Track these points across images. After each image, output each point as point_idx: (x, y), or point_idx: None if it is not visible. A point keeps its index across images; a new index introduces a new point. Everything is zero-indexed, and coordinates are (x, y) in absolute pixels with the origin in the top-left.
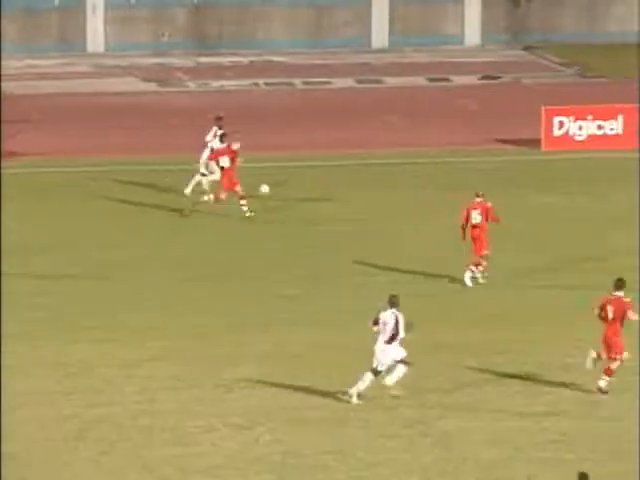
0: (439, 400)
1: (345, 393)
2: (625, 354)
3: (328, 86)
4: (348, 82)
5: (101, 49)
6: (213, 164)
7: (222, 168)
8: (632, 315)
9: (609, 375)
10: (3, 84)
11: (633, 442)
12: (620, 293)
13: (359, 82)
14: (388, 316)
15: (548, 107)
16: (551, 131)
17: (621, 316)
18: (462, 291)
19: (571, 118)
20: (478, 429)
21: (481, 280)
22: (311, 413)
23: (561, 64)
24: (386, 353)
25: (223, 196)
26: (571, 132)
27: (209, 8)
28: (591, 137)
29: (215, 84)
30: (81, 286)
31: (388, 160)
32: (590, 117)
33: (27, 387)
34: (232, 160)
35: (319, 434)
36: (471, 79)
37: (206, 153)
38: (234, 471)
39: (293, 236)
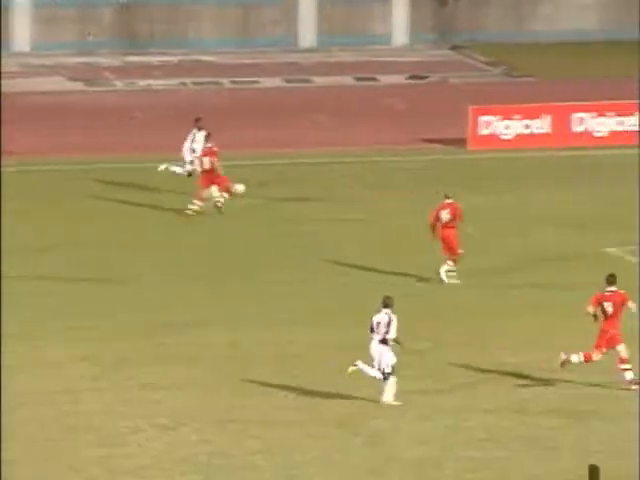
0: (369, 400)
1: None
2: (621, 346)
3: (256, 85)
4: (276, 81)
5: (27, 48)
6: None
7: (204, 169)
8: (632, 305)
9: (624, 363)
10: None
11: (562, 439)
12: (614, 288)
13: (287, 81)
14: (382, 316)
15: (475, 106)
16: (478, 130)
17: (620, 310)
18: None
19: (498, 117)
20: (408, 428)
21: (445, 278)
22: (239, 413)
23: (488, 63)
24: (382, 355)
25: (205, 195)
26: (498, 131)
27: (138, 7)
28: (518, 136)
29: (142, 83)
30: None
31: (316, 159)
32: (517, 116)
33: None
34: (212, 161)
35: (247, 434)
36: (398, 79)
37: (187, 154)
38: (160, 472)
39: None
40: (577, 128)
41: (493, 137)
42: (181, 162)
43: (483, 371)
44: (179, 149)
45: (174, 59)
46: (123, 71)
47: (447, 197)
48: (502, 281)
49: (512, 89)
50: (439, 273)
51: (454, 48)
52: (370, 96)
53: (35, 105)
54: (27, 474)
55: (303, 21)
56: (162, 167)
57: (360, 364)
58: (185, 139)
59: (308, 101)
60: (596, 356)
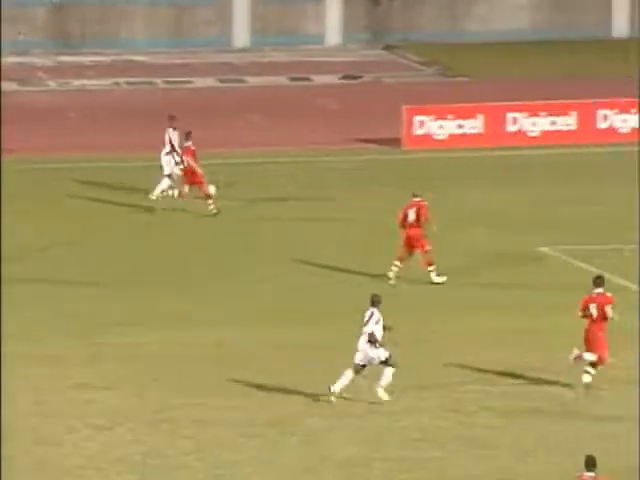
0: (304, 399)
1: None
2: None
3: (189, 85)
4: (209, 81)
5: None
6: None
7: (185, 167)
8: (609, 311)
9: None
10: None
11: (499, 438)
12: (600, 290)
13: (221, 81)
14: (368, 314)
15: (408, 106)
16: (412, 130)
17: (604, 313)
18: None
19: (432, 117)
20: (341, 428)
21: (392, 280)
22: (173, 413)
23: (421, 63)
24: (369, 350)
25: (185, 192)
26: (432, 131)
27: (71, 7)
28: (451, 136)
29: (76, 83)
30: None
31: (250, 159)
32: (450, 116)
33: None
34: (193, 159)
35: (181, 434)
36: (332, 78)
37: (163, 157)
38: (96, 472)
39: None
40: (511, 128)
41: (427, 137)
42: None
43: (423, 371)
44: (112, 148)
45: (107, 59)
46: (56, 71)
47: (415, 196)
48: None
49: (446, 89)
50: (389, 277)
51: (387, 48)
52: (304, 96)
53: None
54: None
55: (237, 21)
56: (153, 197)
57: (336, 388)
58: (163, 142)
59: (242, 101)
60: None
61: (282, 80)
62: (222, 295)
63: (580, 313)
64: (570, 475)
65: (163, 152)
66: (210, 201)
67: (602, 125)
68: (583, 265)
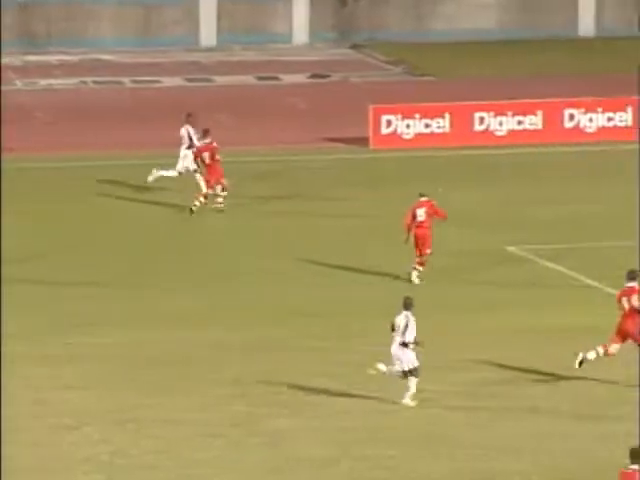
0: (268, 399)
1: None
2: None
3: (157, 85)
4: (177, 81)
5: None
6: (182, 160)
7: (205, 164)
8: (634, 300)
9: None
10: None
11: (460, 436)
12: (632, 284)
13: (188, 81)
14: (401, 319)
15: (375, 105)
16: (379, 130)
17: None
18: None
19: (399, 116)
20: (306, 428)
21: (416, 281)
22: (139, 413)
23: (388, 62)
24: (402, 357)
25: (212, 191)
26: (399, 130)
27: (37, 6)
28: (418, 135)
29: (43, 82)
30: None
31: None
32: (418, 116)
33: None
34: (212, 156)
35: (147, 434)
36: (300, 78)
37: (182, 151)
38: (64, 471)
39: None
40: (477, 127)
41: (394, 136)
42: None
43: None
44: (81, 147)
45: (74, 58)
46: (23, 70)
47: (422, 195)
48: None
49: (413, 88)
50: (411, 277)
51: (354, 47)
52: (272, 95)
53: None
54: None
55: (204, 20)
56: (150, 178)
57: (381, 366)
58: (181, 137)
59: (210, 100)
60: (613, 349)
61: (250, 79)
62: (193, 295)
63: (619, 305)
64: (528, 474)
65: (183, 147)
66: (224, 194)
67: (568, 124)
68: (550, 264)
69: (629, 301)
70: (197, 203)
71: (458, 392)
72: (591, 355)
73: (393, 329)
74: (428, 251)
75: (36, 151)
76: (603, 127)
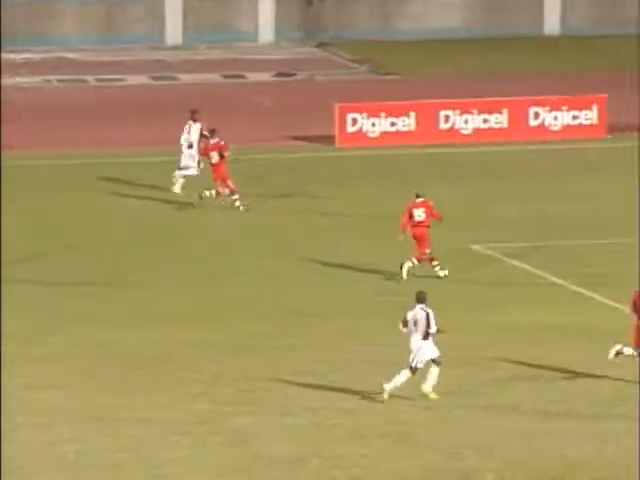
0: (233, 397)
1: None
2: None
3: (121, 83)
4: (142, 79)
5: None
6: (187, 158)
7: (212, 164)
8: None
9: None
10: None
11: (428, 435)
12: None
13: (153, 79)
14: (418, 312)
15: (341, 104)
16: (345, 128)
17: None
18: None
19: (364, 115)
20: (271, 426)
21: (441, 274)
22: (108, 411)
23: (354, 61)
24: (423, 350)
25: (221, 190)
26: (365, 129)
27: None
28: (384, 134)
29: (6, 81)
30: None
31: None
32: (383, 114)
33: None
34: (221, 155)
35: (115, 432)
36: (265, 76)
37: (185, 149)
38: (36, 471)
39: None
40: (443, 126)
41: (360, 134)
42: (185, 168)
43: (351, 368)
44: (45, 145)
45: (37, 56)
46: None
47: (418, 196)
48: (371, 276)
49: (378, 87)
50: (440, 276)
51: (320, 45)
52: (237, 94)
53: None
54: None
55: (169, 18)
56: (176, 189)
57: (388, 386)
58: (182, 131)
59: (175, 99)
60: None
61: (215, 78)
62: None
63: (628, 307)
64: (496, 471)
65: (184, 146)
66: (236, 196)
67: (534, 123)
68: (515, 263)
69: None
70: (207, 193)
71: (419, 388)
72: (628, 351)
73: (405, 325)
74: (427, 251)
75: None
76: (568, 125)
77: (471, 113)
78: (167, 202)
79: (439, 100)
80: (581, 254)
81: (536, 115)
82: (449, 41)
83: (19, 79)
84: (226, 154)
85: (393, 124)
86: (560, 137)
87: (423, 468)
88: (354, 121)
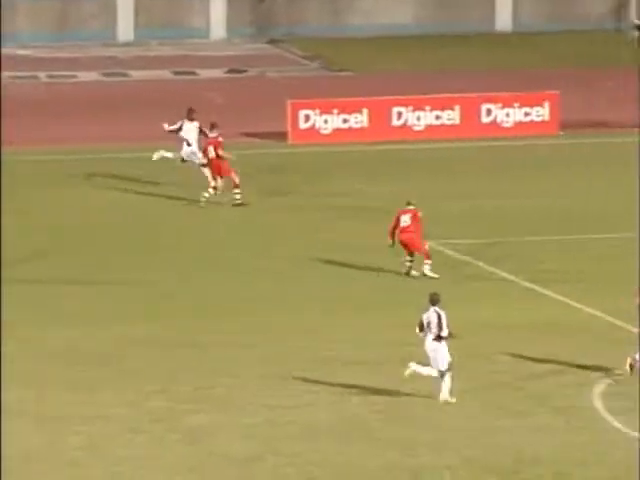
0: (190, 395)
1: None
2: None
3: (73, 80)
4: (94, 75)
5: None
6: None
7: (210, 159)
8: None
9: None
10: None
11: (384, 431)
12: None
13: (105, 75)
14: (431, 314)
15: (293, 100)
16: (297, 125)
17: None
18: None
19: (317, 111)
20: (228, 424)
21: (430, 274)
22: (60, 410)
23: (305, 57)
24: (438, 352)
25: (217, 184)
26: (317, 125)
27: None
28: (336, 130)
29: None
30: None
31: (136, 153)
32: (335, 111)
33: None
34: (216, 150)
35: (70, 430)
36: (217, 73)
37: (185, 147)
38: None
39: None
40: (395, 122)
41: (312, 131)
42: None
43: (306, 364)
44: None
45: None
46: None
47: (409, 204)
48: (327, 275)
49: (330, 83)
50: (424, 274)
51: (272, 42)
52: (189, 90)
53: None
54: None
55: (121, 15)
56: (155, 156)
57: (414, 366)
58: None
59: (126, 95)
60: None
61: (167, 74)
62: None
63: (637, 300)
64: (452, 468)
65: (184, 145)
66: (237, 190)
67: (486, 119)
68: (467, 259)
69: None
70: (206, 194)
71: (382, 388)
72: None
73: (422, 329)
74: (425, 248)
75: None
76: (520, 122)
77: (423, 110)
78: (130, 198)
79: (391, 97)
80: (533, 250)
81: (488, 112)
82: (401, 37)
83: None
84: (221, 151)
85: (345, 121)
86: (512, 134)
87: (378, 465)
88: (306, 118)
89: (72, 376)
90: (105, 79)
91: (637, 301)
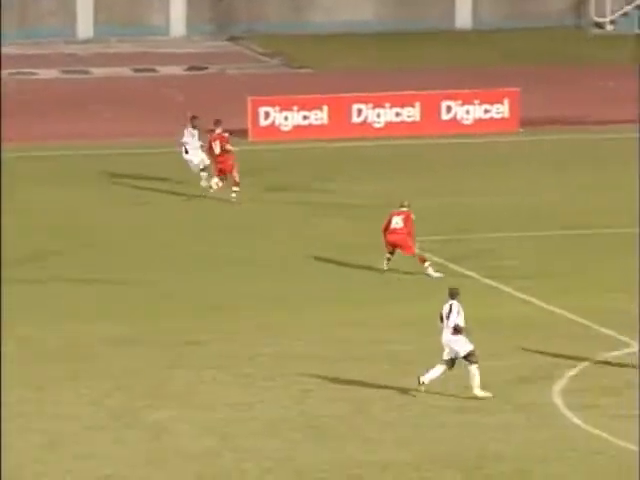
0: (148, 391)
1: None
2: None
3: (33, 77)
4: (54, 73)
5: None
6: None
7: (215, 155)
8: None
9: None
10: None
11: (343, 428)
12: None
13: (65, 73)
14: (447, 307)
15: (253, 97)
16: (257, 122)
17: None
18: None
19: (277, 108)
20: (187, 420)
21: (434, 275)
22: (20, 408)
23: (266, 55)
24: (453, 343)
25: (221, 182)
26: (277, 122)
27: None
28: (297, 127)
29: None
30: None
31: (96, 151)
32: (296, 108)
33: None
34: (222, 146)
35: (28, 428)
36: (177, 70)
37: (184, 155)
38: None
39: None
40: (355, 119)
41: (273, 128)
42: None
43: (265, 361)
44: None
45: None
46: None
47: (402, 205)
48: (275, 271)
49: (291, 80)
50: (427, 274)
51: (232, 39)
52: (149, 87)
53: None
54: None
55: (81, 12)
56: (203, 183)
57: (425, 379)
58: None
59: (86, 93)
60: None
61: (127, 71)
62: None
63: None
64: (417, 465)
65: (187, 155)
66: (236, 188)
67: (446, 116)
68: (428, 255)
69: None
70: (234, 194)
71: (344, 384)
72: None
73: (442, 320)
74: (415, 251)
75: None
76: (480, 119)
77: (383, 107)
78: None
79: (351, 94)
80: (494, 247)
81: (448, 109)
82: (361, 35)
83: None
84: (229, 147)
85: (306, 118)
86: (472, 131)
87: (337, 461)
88: (267, 115)
89: (33, 374)
90: (65, 76)
91: None
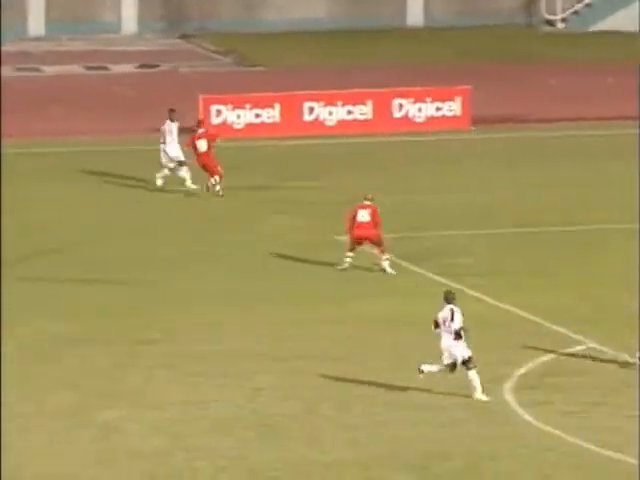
0: (98, 390)
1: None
2: None
3: None
4: (5, 71)
5: None
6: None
7: (199, 153)
8: None
9: None
10: None
11: (295, 427)
12: None
13: (17, 70)
14: (446, 312)
15: (206, 96)
16: (209, 120)
17: None
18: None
19: (229, 106)
20: (137, 419)
21: (389, 270)
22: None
23: (218, 52)
24: (453, 348)
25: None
26: (229, 120)
27: None
28: (249, 125)
29: None
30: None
31: (47, 149)
32: (248, 106)
33: None
34: (209, 144)
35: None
36: (128, 67)
37: (169, 147)
38: None
39: None
40: (307, 117)
41: (225, 126)
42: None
43: (216, 360)
44: None
45: None
46: None
47: (366, 198)
48: (228, 267)
49: (242, 78)
50: (382, 269)
51: (184, 37)
52: (101, 85)
53: None
54: None
55: (32, 9)
56: (159, 183)
57: (425, 368)
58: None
59: (38, 90)
60: None
61: (78, 69)
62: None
63: None
64: (365, 465)
65: (164, 145)
66: (216, 181)
67: (398, 114)
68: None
69: None
70: (217, 187)
71: (294, 384)
72: None
73: (437, 326)
74: (383, 247)
75: None
76: (432, 117)
77: (335, 105)
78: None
79: (303, 92)
80: (446, 245)
81: (400, 106)
82: (313, 32)
83: None
84: (213, 145)
85: (258, 116)
86: (424, 128)
87: (289, 460)
88: (218, 112)
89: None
90: (17, 74)
91: None
